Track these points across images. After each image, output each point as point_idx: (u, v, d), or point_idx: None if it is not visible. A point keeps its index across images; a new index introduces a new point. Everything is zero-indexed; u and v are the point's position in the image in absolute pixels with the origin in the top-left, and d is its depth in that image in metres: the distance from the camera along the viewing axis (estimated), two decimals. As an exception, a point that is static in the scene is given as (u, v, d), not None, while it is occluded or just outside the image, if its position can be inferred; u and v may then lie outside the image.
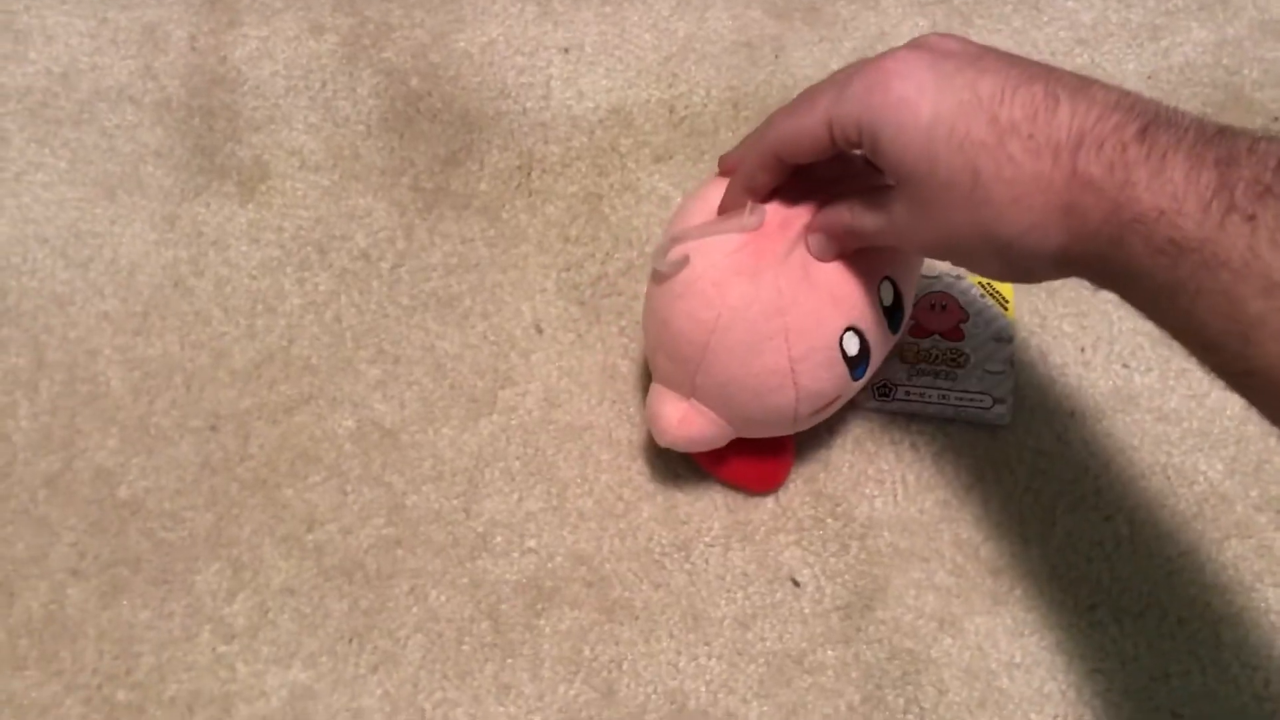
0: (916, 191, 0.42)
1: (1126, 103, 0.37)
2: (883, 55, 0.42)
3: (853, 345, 0.49)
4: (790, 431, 0.54)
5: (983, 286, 0.60)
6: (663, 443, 0.53)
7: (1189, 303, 0.35)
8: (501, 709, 0.51)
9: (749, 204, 0.48)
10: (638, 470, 0.57)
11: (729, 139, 0.66)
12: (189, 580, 0.54)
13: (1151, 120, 0.36)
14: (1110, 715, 0.52)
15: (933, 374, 0.58)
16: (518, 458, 0.57)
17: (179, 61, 0.68)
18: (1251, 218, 0.33)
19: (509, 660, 0.52)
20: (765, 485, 0.56)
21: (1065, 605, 0.54)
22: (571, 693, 0.52)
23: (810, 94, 0.45)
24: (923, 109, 0.40)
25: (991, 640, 0.53)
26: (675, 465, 0.57)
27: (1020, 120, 0.38)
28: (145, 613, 0.53)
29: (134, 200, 0.63)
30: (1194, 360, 0.38)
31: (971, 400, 0.57)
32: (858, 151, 0.44)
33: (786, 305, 0.47)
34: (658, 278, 0.49)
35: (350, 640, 0.52)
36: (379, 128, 0.66)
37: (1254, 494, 0.56)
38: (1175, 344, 0.37)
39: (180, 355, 0.59)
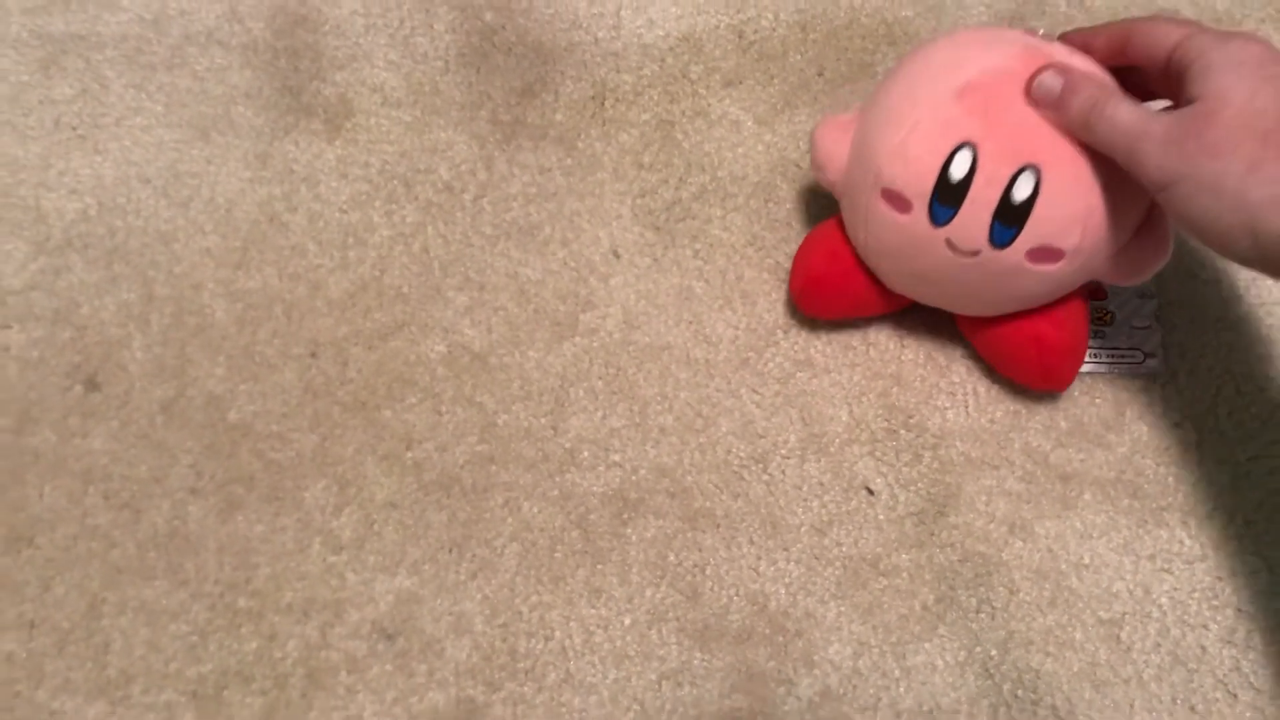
0: (1202, 110, 0.42)
1: None
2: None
3: (960, 165, 0.48)
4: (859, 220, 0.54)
5: None
6: (813, 159, 0.56)
7: None
8: (593, 611, 0.55)
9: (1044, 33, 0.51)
10: (715, 388, 0.59)
11: (798, 62, 0.67)
12: (298, 496, 0.57)
13: None
14: (1177, 613, 0.54)
15: None
16: (600, 377, 0.60)
17: (262, 4, 0.70)
18: None
19: (599, 566, 0.55)
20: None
21: (1133, 509, 0.56)
22: (658, 595, 0.55)
23: (1180, 18, 0.47)
24: (1269, 66, 0.42)
25: (1061, 543, 0.55)
26: (751, 382, 0.59)
27: None
28: (260, 527, 0.57)
29: (227, 140, 0.66)
30: None
31: (1123, 356, 0.58)
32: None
33: (964, 65, 0.49)
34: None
35: (450, 549, 0.56)
36: (456, 63, 0.68)
37: (1323, 399, 0.57)
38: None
39: (279, 287, 0.62)
